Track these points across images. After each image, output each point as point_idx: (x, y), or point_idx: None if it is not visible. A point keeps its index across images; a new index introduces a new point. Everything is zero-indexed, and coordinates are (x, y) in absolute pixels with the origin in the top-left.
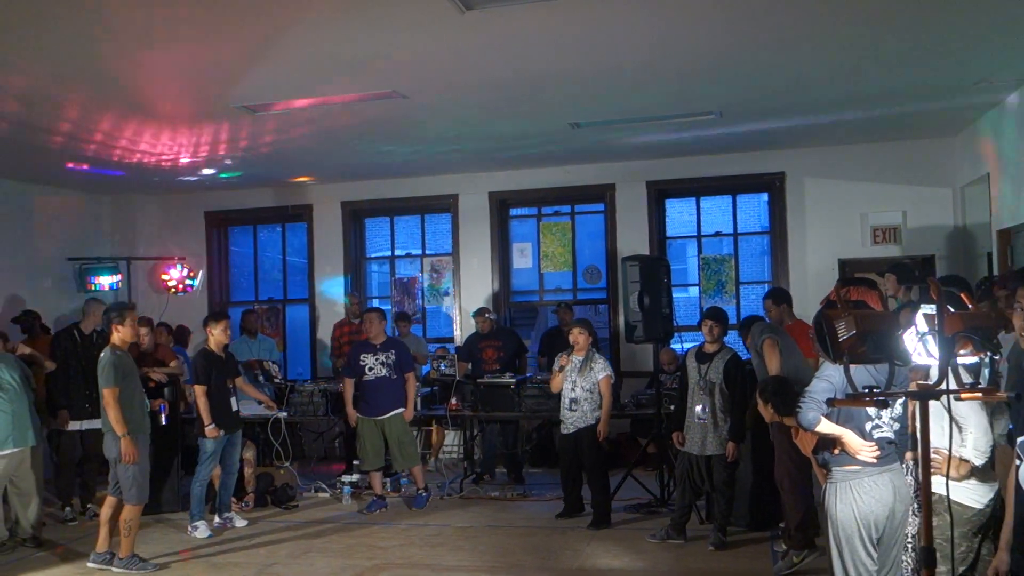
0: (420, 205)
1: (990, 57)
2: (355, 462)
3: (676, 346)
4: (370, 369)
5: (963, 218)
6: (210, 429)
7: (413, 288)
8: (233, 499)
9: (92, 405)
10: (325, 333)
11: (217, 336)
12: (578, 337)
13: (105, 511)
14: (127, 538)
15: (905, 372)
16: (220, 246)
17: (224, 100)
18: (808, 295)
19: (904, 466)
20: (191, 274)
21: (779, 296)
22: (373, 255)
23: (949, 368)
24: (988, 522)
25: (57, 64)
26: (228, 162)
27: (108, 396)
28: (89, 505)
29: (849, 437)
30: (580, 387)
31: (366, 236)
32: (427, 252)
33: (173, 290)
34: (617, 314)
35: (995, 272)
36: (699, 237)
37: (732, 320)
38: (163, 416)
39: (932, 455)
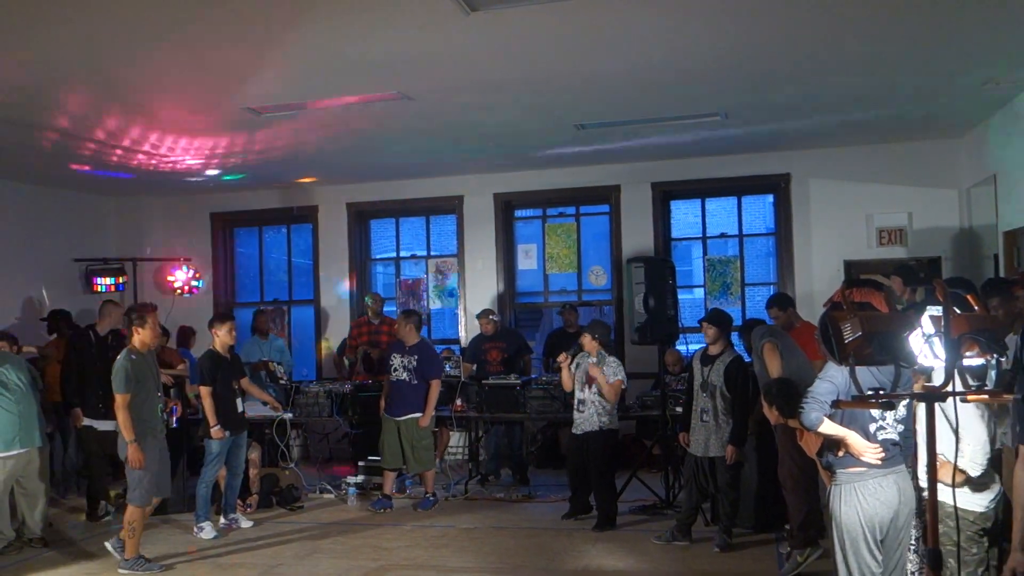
0: (425, 206)
1: (996, 58)
2: (360, 463)
3: (681, 347)
4: (394, 370)
5: (969, 219)
6: (215, 430)
7: (418, 289)
8: (238, 500)
9: (106, 406)
10: (332, 334)
11: (222, 337)
12: (583, 340)
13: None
14: (131, 539)
15: (908, 373)
16: (225, 247)
17: (230, 102)
18: (814, 297)
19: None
20: (196, 275)
21: (783, 301)
22: (378, 256)
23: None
24: (994, 526)
25: (61, 66)
26: (233, 164)
27: (118, 401)
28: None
29: (853, 439)
30: (588, 390)
31: (371, 237)
32: (432, 253)
33: (179, 291)
34: (622, 315)
35: (1001, 274)
36: (704, 238)
37: (738, 321)
38: (173, 419)
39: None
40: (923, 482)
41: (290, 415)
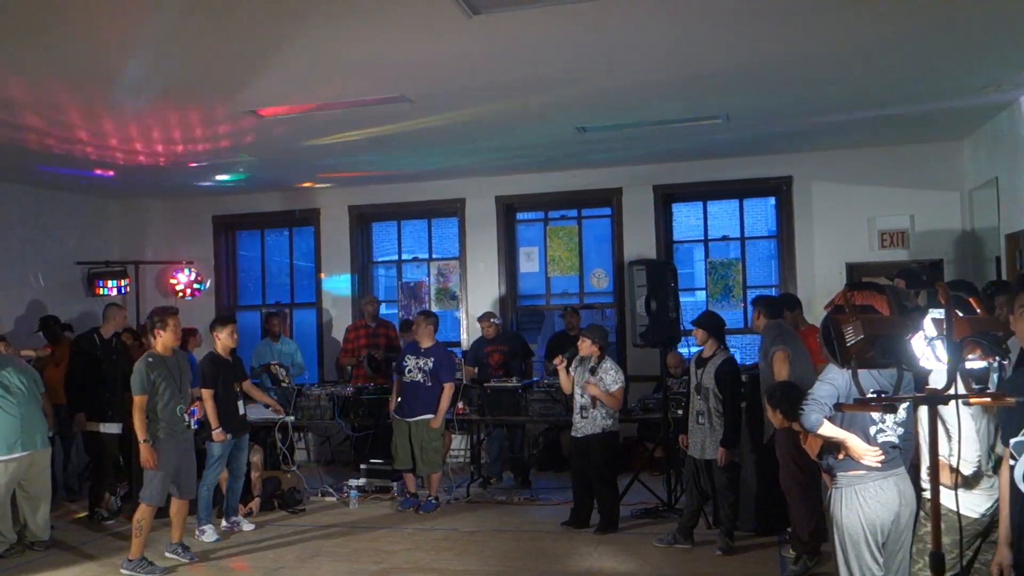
0: (427, 209)
1: (998, 61)
2: (362, 466)
3: (683, 350)
4: (409, 371)
5: (971, 222)
6: (217, 433)
7: (420, 292)
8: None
9: (112, 409)
10: (335, 336)
11: (224, 340)
12: (581, 345)
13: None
14: (137, 539)
15: (909, 376)
16: (228, 250)
17: (231, 104)
18: (816, 299)
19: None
20: (199, 278)
21: (790, 303)
22: (380, 259)
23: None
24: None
25: (61, 67)
26: (235, 166)
27: (135, 403)
28: (99, 508)
29: (853, 441)
30: (589, 394)
31: (373, 240)
32: (434, 256)
33: (181, 294)
34: (624, 318)
35: (1004, 276)
36: (706, 241)
37: (739, 324)
38: (192, 420)
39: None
40: (924, 483)
41: (292, 418)
